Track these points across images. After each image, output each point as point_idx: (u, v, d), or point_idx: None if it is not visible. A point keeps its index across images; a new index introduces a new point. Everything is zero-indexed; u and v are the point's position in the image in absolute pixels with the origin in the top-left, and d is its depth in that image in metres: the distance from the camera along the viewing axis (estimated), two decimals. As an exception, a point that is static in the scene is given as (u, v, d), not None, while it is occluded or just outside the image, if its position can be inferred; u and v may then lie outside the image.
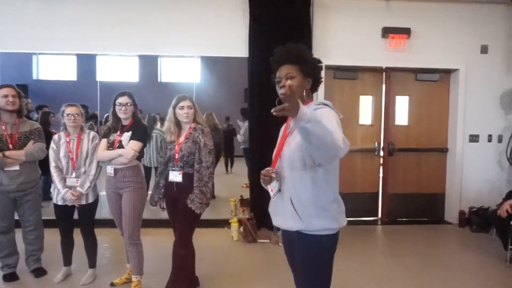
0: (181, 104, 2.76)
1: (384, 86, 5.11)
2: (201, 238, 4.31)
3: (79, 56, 12.85)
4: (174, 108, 2.79)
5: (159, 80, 13.43)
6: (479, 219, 4.75)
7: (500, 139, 5.05)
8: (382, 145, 5.12)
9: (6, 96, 2.96)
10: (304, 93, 1.75)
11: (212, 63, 12.26)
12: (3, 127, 3.00)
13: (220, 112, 9.35)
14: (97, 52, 5.06)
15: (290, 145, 1.74)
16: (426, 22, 4.87)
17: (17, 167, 3.00)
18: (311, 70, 1.76)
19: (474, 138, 5.04)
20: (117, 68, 14.31)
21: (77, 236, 3.11)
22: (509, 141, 4.91)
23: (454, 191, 5.08)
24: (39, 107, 6.17)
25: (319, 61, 1.80)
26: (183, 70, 13.94)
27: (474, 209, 4.87)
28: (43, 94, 9.01)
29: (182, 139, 2.79)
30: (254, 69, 4.49)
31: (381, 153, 5.14)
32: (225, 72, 9.26)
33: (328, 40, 4.75)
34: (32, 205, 3.13)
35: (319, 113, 1.57)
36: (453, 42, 4.92)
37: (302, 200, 1.69)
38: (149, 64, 13.55)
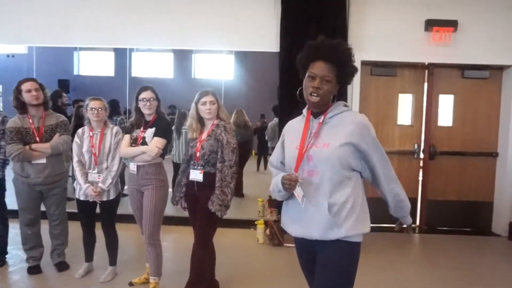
0: (203, 99, 2.63)
1: (426, 83, 4.73)
2: (225, 239, 4.22)
3: (117, 52, 13.26)
4: (196, 103, 2.67)
5: (192, 77, 13.60)
6: (532, 232, 4.28)
7: (560, 144, 4.52)
8: (422, 147, 4.75)
9: (29, 90, 2.96)
10: (333, 97, 1.67)
11: (246, 60, 12.20)
12: (30, 121, 3.01)
13: (254, 109, 9.24)
14: (131, 46, 5.08)
15: (327, 147, 1.59)
16: (475, 13, 4.43)
17: (43, 160, 3.00)
18: (347, 79, 1.66)
19: (528, 143, 4.54)
20: (153, 64, 14.64)
21: (100, 232, 3.08)
22: None
23: (504, 200, 4.61)
24: (75, 101, 6.32)
25: (357, 69, 1.68)
26: (217, 67, 13.99)
27: (527, 220, 4.40)
28: (84, 89, 9.33)
29: (204, 136, 2.66)
30: (284, 65, 4.29)
31: (421, 156, 4.76)
32: (259, 68, 9.12)
33: (365, 33, 4.44)
34: (58, 199, 3.13)
35: (372, 146, 1.63)
36: (505, 35, 4.44)
37: (341, 205, 1.58)
38: (183, 60, 13.74)
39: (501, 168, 4.68)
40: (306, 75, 1.62)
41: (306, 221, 1.63)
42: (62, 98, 5.51)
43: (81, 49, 13.60)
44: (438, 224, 4.76)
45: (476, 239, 4.50)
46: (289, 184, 1.59)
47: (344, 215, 1.58)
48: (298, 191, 1.61)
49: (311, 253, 1.69)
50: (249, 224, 4.52)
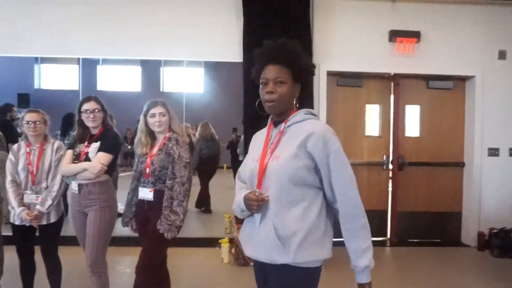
0: (152, 111, 2.41)
1: (392, 94, 4.69)
2: (188, 259, 3.95)
3: (81, 65, 12.76)
4: (145, 116, 2.45)
5: (161, 90, 13.30)
6: (501, 242, 4.24)
7: (523, 153, 4.57)
8: (391, 158, 4.68)
9: None
10: (293, 100, 1.51)
11: (216, 72, 12.06)
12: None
13: (226, 123, 9.04)
14: (100, 57, 4.82)
15: (277, 160, 1.42)
16: (438, 25, 4.47)
17: (-26, 180, 2.65)
18: (304, 75, 1.51)
19: (493, 152, 4.56)
20: (120, 78, 14.19)
21: (40, 257, 2.73)
22: (533, 155, 4.43)
23: (472, 210, 4.58)
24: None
25: (313, 65, 1.57)
26: (186, 80, 13.75)
27: (495, 230, 4.37)
28: (46, 104, 8.85)
29: (155, 150, 2.43)
30: (248, 76, 4.12)
31: (390, 167, 4.69)
32: (230, 81, 8.89)
33: (330, 44, 4.37)
34: (-9, 224, 2.77)
35: (334, 153, 1.40)
36: (467, 47, 4.50)
37: (289, 227, 1.38)
38: (151, 73, 13.45)
39: (467, 178, 4.67)
40: (261, 83, 1.48)
41: (256, 241, 1.46)
42: (12, 112, 5.13)
43: (42, 61, 13.09)
44: (408, 236, 4.67)
45: (446, 250, 4.44)
46: (257, 206, 1.40)
47: (294, 239, 1.37)
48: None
49: (264, 276, 1.51)
50: (214, 242, 4.25)
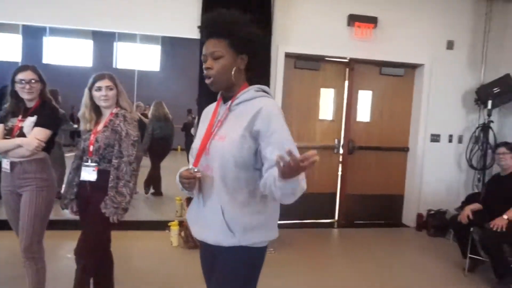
0: (98, 84, 2.23)
1: (347, 79, 4.78)
2: (137, 243, 3.82)
3: (25, 35, 11.71)
4: (90, 89, 2.25)
5: (114, 66, 12.61)
6: (436, 223, 4.55)
7: (460, 140, 4.88)
8: (342, 142, 4.80)
9: None
10: (233, 73, 1.38)
11: (173, 51, 11.60)
12: None
13: (181, 103, 8.77)
14: (45, 24, 4.39)
15: (223, 140, 1.35)
16: (394, 12, 4.56)
17: None
18: (245, 45, 1.39)
19: (435, 138, 4.83)
20: (69, 51, 13.24)
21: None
22: (469, 142, 4.74)
23: (413, 193, 4.86)
24: None
25: (259, 35, 1.41)
26: (141, 57, 13.12)
27: (432, 212, 4.67)
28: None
29: (100, 127, 2.26)
30: (204, 52, 3.98)
31: (341, 151, 4.81)
32: (188, 60, 8.62)
33: (289, 25, 4.31)
34: None
35: (272, 121, 1.33)
36: (419, 35, 4.65)
37: (236, 210, 1.35)
38: (104, 48, 12.68)
39: (411, 162, 4.92)
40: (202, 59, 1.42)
41: (203, 222, 1.42)
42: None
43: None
44: (356, 218, 4.86)
45: (389, 231, 4.70)
46: (188, 183, 1.36)
47: (241, 222, 1.35)
48: (197, 189, 1.40)
49: (210, 258, 1.46)
50: (164, 225, 4.14)
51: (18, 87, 2.31)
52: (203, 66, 1.39)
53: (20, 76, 2.30)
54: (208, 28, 1.39)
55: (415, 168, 4.82)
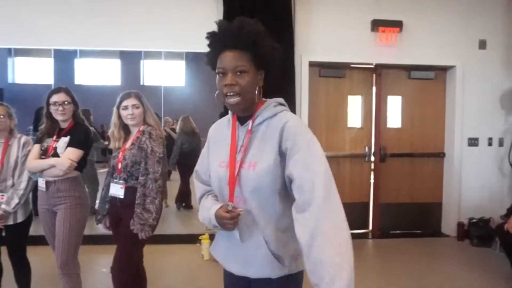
0: (124, 103, 2.29)
1: (374, 85, 4.66)
2: (168, 256, 3.84)
3: (57, 58, 12.34)
4: (117, 108, 2.32)
5: (141, 83, 13.01)
6: (480, 232, 4.29)
7: (501, 143, 4.61)
8: (373, 150, 4.66)
9: None
10: (257, 92, 1.27)
11: (198, 65, 11.83)
12: None
13: (208, 116, 8.88)
14: (76, 48, 4.59)
15: (254, 168, 1.23)
16: (420, 14, 4.43)
17: None
18: (266, 60, 1.26)
19: (473, 142, 4.59)
20: (98, 71, 13.78)
21: (8, 259, 2.58)
22: (511, 144, 4.48)
23: (452, 201, 4.62)
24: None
25: (278, 48, 1.28)
26: (167, 73, 13.46)
27: (474, 220, 4.41)
28: (21, 98, 8.50)
29: (128, 145, 2.31)
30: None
31: (372, 159, 4.67)
32: (211, 73, 8.80)
33: (311, 34, 4.29)
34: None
35: (299, 144, 1.19)
36: (449, 36, 4.48)
37: (280, 239, 1.26)
38: (131, 66, 13.14)
39: (448, 168, 4.69)
40: (217, 73, 1.26)
41: (242, 259, 1.30)
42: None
43: (16, 54, 12.60)
44: (391, 227, 4.67)
45: (428, 241, 4.47)
46: (233, 224, 1.24)
47: (288, 249, 1.27)
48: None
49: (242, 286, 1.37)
50: (195, 239, 4.15)
51: (52, 109, 2.41)
52: (222, 82, 1.23)
53: (54, 98, 2.40)
54: (233, 38, 1.21)
55: (453, 174, 4.59)
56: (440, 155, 4.74)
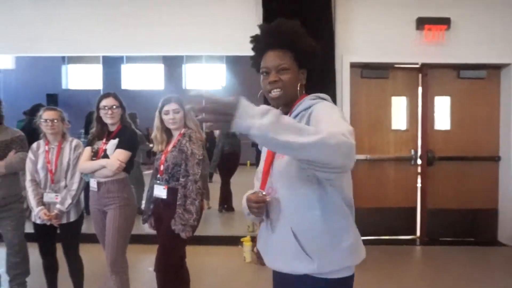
0: (166, 108, 2.38)
1: (420, 85, 4.46)
2: (210, 257, 3.90)
3: (105, 64, 13.00)
4: (160, 112, 2.41)
5: (183, 87, 13.38)
6: (541, 241, 3.96)
7: None
8: (419, 153, 4.45)
9: None
10: (299, 89, 1.32)
11: (238, 68, 12.00)
12: (-20, 136, 2.70)
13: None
14: (122, 54, 4.85)
15: (283, 156, 1.26)
16: (468, 9, 4.19)
17: (-5, 180, 2.67)
18: (308, 59, 1.32)
19: (532, 144, 4.25)
20: (143, 76, 14.35)
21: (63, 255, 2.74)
22: None
23: (509, 207, 4.29)
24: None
25: (320, 48, 1.33)
26: (208, 76, 13.74)
27: (535, 228, 4.08)
28: (73, 103, 9.08)
29: (170, 147, 2.39)
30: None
31: (419, 162, 4.46)
32: (252, 76, 8.93)
33: (353, 34, 4.19)
34: (15, 224, 2.79)
35: (316, 110, 1.21)
36: (502, 32, 4.19)
37: (310, 230, 1.23)
38: (173, 70, 13.57)
39: (504, 172, 4.37)
40: (261, 73, 1.32)
41: (273, 250, 1.31)
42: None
43: (69, 62, 13.46)
44: (440, 234, 4.43)
45: (482, 250, 4.18)
46: (258, 207, 1.26)
47: (318, 244, 1.22)
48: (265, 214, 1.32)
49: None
50: (236, 241, 4.18)
51: (102, 113, 2.53)
52: (266, 81, 1.29)
53: (103, 102, 2.52)
54: (273, 39, 1.28)
55: (510, 179, 4.27)
56: (495, 158, 4.43)
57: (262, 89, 1.33)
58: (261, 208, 1.27)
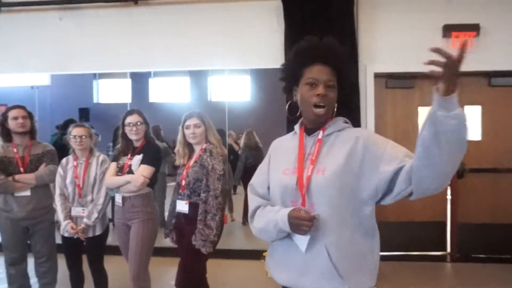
0: (187, 122, 2.42)
1: (448, 94, 4.30)
2: (232, 272, 3.88)
3: (133, 79, 13.44)
4: (182, 127, 2.44)
5: (209, 99, 13.57)
6: None
7: None
8: (448, 164, 4.27)
9: (16, 118, 2.80)
10: (336, 109, 1.40)
11: (263, 80, 12.02)
12: (15, 150, 2.84)
13: (273, 131, 8.99)
14: (150, 70, 5.04)
15: (323, 173, 1.26)
16: (499, 15, 4.02)
17: (28, 192, 2.80)
18: (347, 84, 1.39)
19: None
20: (170, 89, 14.69)
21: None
22: None
23: (547, 222, 4.04)
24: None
25: (355, 74, 1.46)
26: (233, 88, 13.89)
27: None
28: (103, 117, 9.42)
29: (191, 162, 2.42)
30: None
31: (448, 174, 4.28)
32: (276, 88, 8.96)
33: (376, 43, 4.11)
34: (45, 235, 2.91)
35: (374, 137, 1.35)
36: (536, 37, 4.00)
37: (345, 250, 1.24)
38: (199, 83, 13.78)
39: (542, 185, 4.13)
40: (303, 83, 1.33)
41: (299, 267, 1.28)
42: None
43: (100, 77, 13.99)
44: (472, 250, 4.21)
45: (518, 268, 3.95)
46: (308, 226, 1.22)
47: (350, 264, 1.23)
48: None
49: None
50: (259, 255, 4.14)
51: (127, 129, 2.61)
52: (312, 92, 1.29)
53: (128, 119, 2.60)
54: (325, 55, 1.31)
55: (548, 192, 4.04)
56: (530, 170, 4.20)
57: (302, 99, 1.34)
58: (310, 226, 1.23)
